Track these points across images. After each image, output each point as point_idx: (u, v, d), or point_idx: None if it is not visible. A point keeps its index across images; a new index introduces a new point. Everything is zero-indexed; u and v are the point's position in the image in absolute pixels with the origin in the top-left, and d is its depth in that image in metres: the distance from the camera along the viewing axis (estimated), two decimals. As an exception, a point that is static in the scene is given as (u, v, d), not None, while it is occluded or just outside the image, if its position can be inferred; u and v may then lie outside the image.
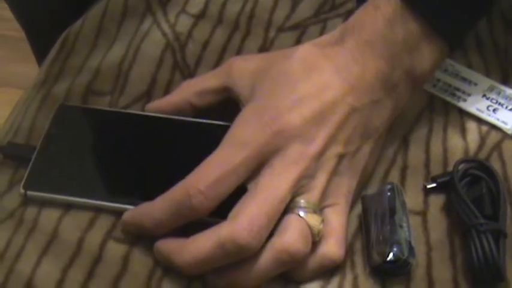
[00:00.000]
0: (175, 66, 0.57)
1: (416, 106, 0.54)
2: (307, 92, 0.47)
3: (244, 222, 0.43)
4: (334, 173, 0.47)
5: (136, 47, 0.59)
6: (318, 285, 0.46)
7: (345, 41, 0.49)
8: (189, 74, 0.57)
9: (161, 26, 0.60)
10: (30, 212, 0.49)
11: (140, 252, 0.47)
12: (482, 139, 0.53)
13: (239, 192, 0.46)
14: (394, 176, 0.51)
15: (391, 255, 0.45)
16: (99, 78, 0.57)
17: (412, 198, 0.50)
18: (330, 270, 0.47)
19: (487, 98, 0.55)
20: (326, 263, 0.46)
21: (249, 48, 0.58)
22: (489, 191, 0.48)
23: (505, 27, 0.59)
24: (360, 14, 0.50)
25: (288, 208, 0.45)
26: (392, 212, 0.47)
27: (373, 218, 0.47)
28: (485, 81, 0.56)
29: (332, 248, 0.46)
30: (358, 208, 0.49)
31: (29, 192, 0.49)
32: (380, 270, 0.46)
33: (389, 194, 0.48)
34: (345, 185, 0.48)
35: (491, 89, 0.55)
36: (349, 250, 0.48)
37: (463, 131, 0.53)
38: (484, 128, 0.53)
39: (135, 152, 0.51)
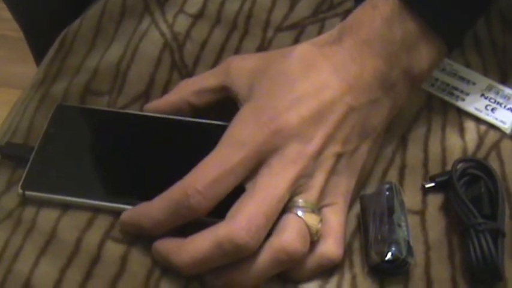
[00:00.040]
0: (173, 66, 0.57)
1: (415, 105, 0.54)
2: (305, 91, 0.47)
3: (242, 221, 0.43)
4: (333, 172, 0.47)
5: (135, 47, 0.59)
6: (317, 285, 0.46)
7: (343, 41, 0.49)
8: (187, 73, 0.57)
9: (159, 26, 0.60)
10: (28, 212, 0.49)
11: (138, 252, 0.47)
12: (481, 138, 0.53)
13: (237, 192, 0.46)
14: (393, 176, 0.51)
15: (389, 255, 0.45)
16: (97, 78, 0.57)
17: (411, 197, 0.50)
18: (329, 269, 0.47)
19: (486, 98, 0.55)
20: (324, 262, 0.46)
21: (247, 48, 0.58)
22: (487, 190, 0.48)
23: (503, 26, 0.59)
24: (357, 14, 0.50)
25: (286, 208, 0.45)
26: (391, 211, 0.47)
27: (371, 217, 0.47)
28: (483, 81, 0.56)
29: (330, 247, 0.46)
30: (357, 207, 0.49)
31: (27, 193, 0.49)
32: (378, 270, 0.46)
33: (387, 193, 0.48)
34: (343, 185, 0.48)
35: (489, 88, 0.55)
36: (348, 249, 0.48)
37: (462, 131, 0.53)
38: (483, 128, 0.53)
39: (133, 152, 0.51)
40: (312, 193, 0.46)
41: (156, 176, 0.49)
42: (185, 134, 0.51)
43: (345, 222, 0.48)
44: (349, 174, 0.48)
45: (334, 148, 0.47)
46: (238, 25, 0.60)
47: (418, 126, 0.53)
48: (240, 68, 0.50)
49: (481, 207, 0.47)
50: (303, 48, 0.49)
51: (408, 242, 0.46)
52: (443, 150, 0.52)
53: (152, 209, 0.46)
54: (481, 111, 0.54)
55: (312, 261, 0.46)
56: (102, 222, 0.49)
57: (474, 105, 0.54)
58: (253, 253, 0.44)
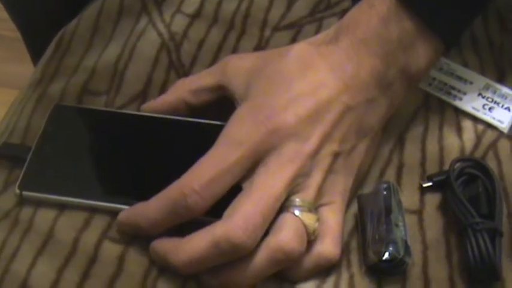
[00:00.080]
0: (170, 65, 0.57)
1: (412, 105, 0.54)
2: (302, 90, 0.47)
3: (239, 221, 0.43)
4: (330, 171, 0.47)
5: (132, 47, 0.59)
6: (314, 285, 0.46)
7: (340, 40, 0.49)
8: (184, 73, 0.57)
9: (157, 25, 0.60)
10: (26, 212, 0.49)
11: (136, 252, 0.47)
12: (478, 138, 0.53)
13: (234, 191, 0.45)
14: (390, 175, 0.51)
15: (387, 254, 0.45)
16: (94, 78, 0.57)
17: (408, 197, 0.50)
18: (326, 269, 0.46)
19: (483, 97, 0.55)
20: (322, 262, 0.46)
21: (245, 47, 0.58)
22: (485, 189, 0.48)
23: (500, 25, 0.59)
24: (354, 13, 0.50)
25: (283, 207, 0.45)
26: (388, 211, 0.47)
27: (369, 217, 0.47)
28: (480, 80, 0.56)
29: (328, 247, 0.46)
30: (354, 207, 0.49)
31: (24, 193, 0.49)
32: (376, 269, 0.46)
33: (385, 193, 0.48)
34: (341, 184, 0.48)
35: (486, 87, 0.55)
36: (345, 249, 0.47)
37: (459, 130, 0.53)
38: (480, 127, 0.53)
39: (130, 152, 0.51)
40: (309, 192, 0.46)
41: (153, 176, 0.49)
42: (182, 133, 0.51)
43: (342, 221, 0.47)
44: (346, 173, 0.48)
45: (331, 147, 0.47)
46: (236, 25, 0.60)
47: (415, 126, 0.53)
48: (236, 67, 0.50)
49: (479, 207, 0.47)
50: (300, 48, 0.49)
51: (406, 242, 0.46)
52: (441, 149, 0.52)
53: (149, 209, 0.46)
54: (478, 110, 0.54)
55: (309, 261, 0.46)
56: (99, 222, 0.49)
57: (471, 104, 0.54)
58: (250, 252, 0.44)
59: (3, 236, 0.48)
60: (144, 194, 0.47)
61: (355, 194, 0.49)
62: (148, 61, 0.57)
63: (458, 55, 0.57)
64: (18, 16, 0.87)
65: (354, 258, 0.47)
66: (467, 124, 0.54)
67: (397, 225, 0.46)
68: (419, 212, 0.49)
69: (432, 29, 0.49)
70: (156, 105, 0.53)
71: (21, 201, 0.50)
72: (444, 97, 0.55)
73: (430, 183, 0.50)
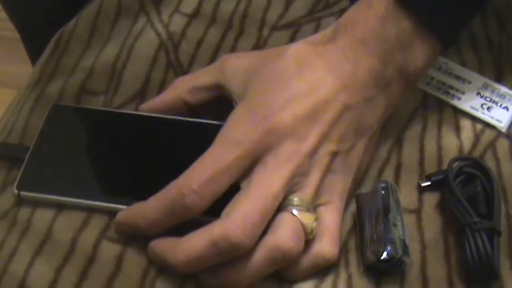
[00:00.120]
0: (168, 65, 0.57)
1: (410, 104, 0.54)
2: (300, 90, 0.47)
3: (237, 220, 0.43)
4: (328, 170, 0.47)
5: (130, 47, 0.59)
6: (312, 284, 0.46)
7: (337, 39, 0.49)
8: (183, 73, 0.56)
9: (155, 25, 0.60)
10: (24, 212, 0.49)
11: (134, 252, 0.47)
12: (477, 137, 0.53)
13: (232, 191, 0.45)
14: (388, 175, 0.51)
15: (385, 254, 0.45)
16: (92, 77, 0.57)
17: (406, 196, 0.50)
18: (324, 269, 0.46)
19: (481, 96, 0.55)
20: (320, 261, 0.46)
21: (243, 47, 0.58)
22: (483, 189, 0.48)
23: (499, 25, 0.59)
24: (352, 12, 0.50)
25: (281, 206, 0.45)
26: (387, 210, 0.47)
27: (367, 216, 0.47)
28: (479, 79, 0.56)
29: (326, 246, 0.46)
30: (352, 206, 0.49)
31: (23, 193, 0.49)
32: (374, 269, 0.46)
33: (383, 192, 0.48)
34: (339, 183, 0.48)
35: (485, 87, 0.55)
36: (343, 249, 0.47)
37: (457, 129, 0.53)
38: (478, 126, 0.53)
39: (128, 151, 0.51)
40: (307, 192, 0.46)
41: (151, 175, 0.49)
42: (180, 133, 0.51)
43: (340, 221, 0.47)
44: (344, 172, 0.48)
45: (330, 146, 0.47)
46: (234, 24, 0.60)
47: (413, 125, 0.53)
48: (234, 67, 0.50)
49: (477, 206, 0.47)
50: (298, 47, 0.49)
51: (404, 241, 0.46)
52: (439, 149, 0.52)
53: (147, 209, 0.46)
54: (476, 109, 0.54)
55: (307, 261, 0.46)
56: (97, 222, 0.49)
57: (470, 103, 0.54)
58: (248, 252, 0.44)
59: (1, 237, 0.48)
60: (142, 193, 0.47)
61: (353, 194, 0.49)
62: (146, 61, 0.57)
63: (456, 54, 0.57)
64: (16, 15, 0.87)
65: (352, 257, 0.47)
66: (465, 123, 0.54)
67: (395, 225, 0.46)
68: (417, 212, 0.49)
69: (430, 29, 0.48)
70: (154, 104, 0.53)
71: (19, 202, 0.50)
72: (442, 97, 0.55)
73: (428, 183, 0.50)
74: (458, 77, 0.56)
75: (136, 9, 0.62)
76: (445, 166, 0.50)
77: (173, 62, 0.57)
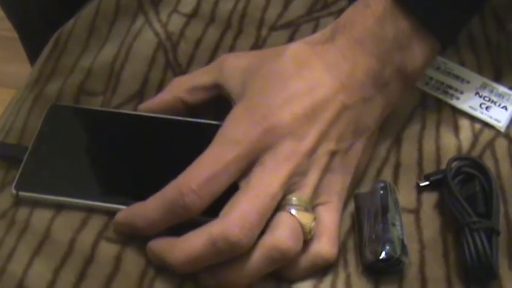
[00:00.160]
0: (167, 65, 0.57)
1: (409, 104, 0.54)
2: (298, 89, 0.47)
3: (235, 219, 0.43)
4: (327, 170, 0.47)
5: (129, 47, 0.59)
6: (311, 284, 0.46)
7: (336, 39, 0.49)
8: (181, 73, 0.56)
9: (153, 25, 0.60)
10: (22, 212, 0.49)
11: (132, 252, 0.47)
12: (475, 137, 0.53)
13: (231, 190, 0.45)
14: (387, 174, 0.51)
15: (383, 254, 0.45)
16: (91, 78, 0.57)
17: (405, 196, 0.50)
18: (323, 268, 0.46)
19: (480, 96, 0.55)
20: (319, 261, 0.46)
21: (241, 47, 0.58)
22: (482, 189, 0.48)
23: (497, 24, 0.59)
24: (350, 12, 0.50)
25: (280, 206, 0.45)
26: (385, 210, 0.47)
27: (365, 216, 0.47)
28: (477, 79, 0.56)
29: (324, 246, 0.46)
30: (351, 206, 0.49)
31: (21, 193, 0.49)
32: (373, 269, 0.46)
33: (382, 192, 0.48)
34: (338, 183, 0.48)
35: (483, 86, 0.55)
36: (342, 248, 0.47)
37: (456, 129, 0.53)
38: (477, 126, 0.53)
39: (127, 151, 0.51)
40: (305, 191, 0.46)
41: (150, 175, 0.49)
42: (179, 133, 0.51)
43: (339, 220, 0.47)
44: (343, 172, 0.48)
45: (328, 146, 0.47)
46: (232, 24, 0.60)
47: (412, 125, 0.53)
48: (233, 66, 0.50)
49: (476, 206, 0.47)
50: (296, 47, 0.49)
51: (402, 241, 0.46)
52: (438, 148, 0.52)
53: (146, 209, 0.46)
54: (475, 109, 0.54)
55: (306, 260, 0.46)
56: (96, 223, 0.49)
57: (468, 103, 0.54)
58: (246, 251, 0.44)
59: (-1, 237, 0.48)
60: (141, 194, 0.47)
61: (352, 193, 0.49)
62: (145, 61, 0.57)
63: (455, 54, 0.57)
64: (14, 15, 0.87)
65: (351, 257, 0.47)
66: (464, 123, 0.54)
67: (393, 225, 0.46)
68: (416, 211, 0.49)
69: (428, 29, 0.49)
70: (152, 104, 0.53)
71: (18, 202, 0.50)
72: (441, 96, 0.55)
73: (427, 182, 0.50)
74: (457, 77, 0.56)
75: (135, 9, 0.61)
76: (443, 166, 0.50)
77: (172, 62, 0.57)
